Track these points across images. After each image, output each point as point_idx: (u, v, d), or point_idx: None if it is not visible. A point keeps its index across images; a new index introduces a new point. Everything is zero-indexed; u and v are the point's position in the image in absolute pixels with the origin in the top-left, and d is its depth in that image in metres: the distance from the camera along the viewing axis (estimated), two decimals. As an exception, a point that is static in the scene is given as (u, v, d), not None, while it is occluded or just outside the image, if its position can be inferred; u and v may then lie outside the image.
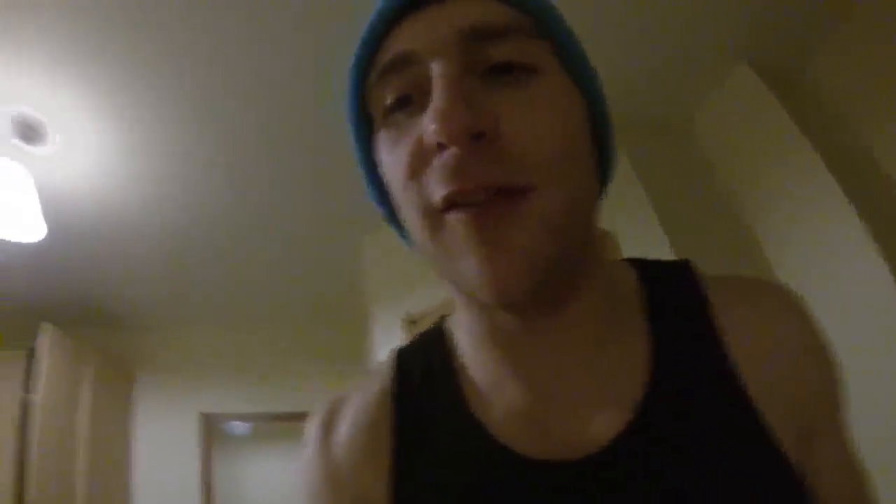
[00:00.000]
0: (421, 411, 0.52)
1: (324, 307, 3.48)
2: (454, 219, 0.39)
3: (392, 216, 0.49)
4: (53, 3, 1.53)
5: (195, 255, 2.78)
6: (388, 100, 0.42)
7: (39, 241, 2.07)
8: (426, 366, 0.55)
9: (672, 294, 0.51)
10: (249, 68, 1.81)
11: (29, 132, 1.82)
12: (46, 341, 2.43)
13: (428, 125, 0.38)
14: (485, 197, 0.38)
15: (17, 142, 1.81)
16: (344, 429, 0.54)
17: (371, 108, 0.45)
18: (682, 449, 0.44)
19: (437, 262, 0.43)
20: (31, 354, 2.45)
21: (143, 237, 2.53)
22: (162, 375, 3.25)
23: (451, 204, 0.39)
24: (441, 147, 0.38)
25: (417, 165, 0.40)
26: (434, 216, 0.40)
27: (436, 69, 0.39)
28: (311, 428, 0.56)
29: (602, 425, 0.46)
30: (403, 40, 0.41)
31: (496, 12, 0.41)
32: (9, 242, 2.05)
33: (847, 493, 0.48)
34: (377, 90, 0.43)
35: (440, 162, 0.39)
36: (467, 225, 0.39)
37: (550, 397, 0.48)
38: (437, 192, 0.39)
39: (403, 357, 0.57)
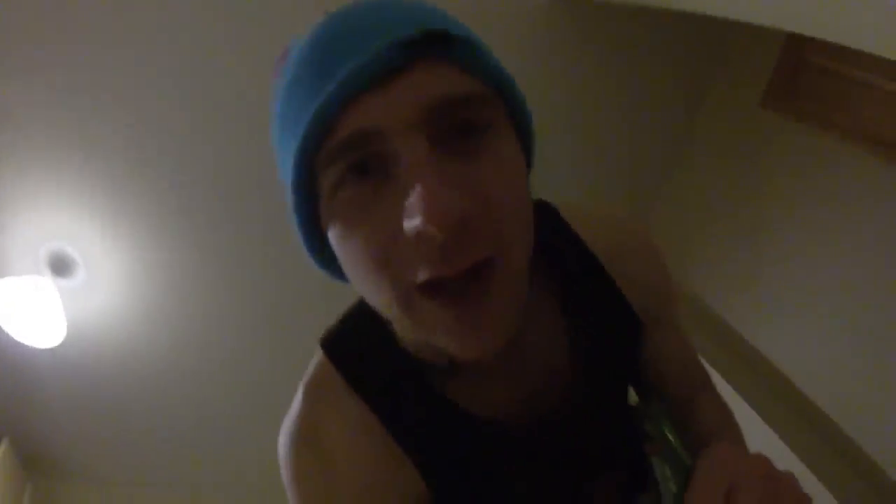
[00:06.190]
0: (396, 400, 0.56)
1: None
2: (435, 306, 0.41)
3: (335, 273, 0.50)
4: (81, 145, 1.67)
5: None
6: (339, 173, 0.41)
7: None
8: (373, 356, 0.58)
9: (557, 247, 0.62)
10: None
11: (60, 266, 1.88)
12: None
13: (412, 214, 0.37)
14: (461, 278, 0.40)
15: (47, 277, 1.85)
16: (340, 450, 0.54)
17: (319, 182, 0.43)
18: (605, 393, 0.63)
19: (406, 325, 0.46)
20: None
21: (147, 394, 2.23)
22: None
23: (428, 283, 0.41)
24: (422, 233, 0.38)
25: (388, 248, 0.40)
26: (407, 293, 0.42)
27: (410, 149, 0.39)
28: (302, 464, 0.55)
29: (548, 389, 0.60)
30: (363, 117, 0.39)
31: (457, 83, 0.40)
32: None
33: (683, 356, 0.73)
34: (329, 165, 0.41)
35: (423, 246, 0.39)
36: (446, 310, 0.41)
37: (503, 373, 0.57)
38: (420, 274, 0.40)
39: (340, 357, 0.58)
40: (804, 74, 1.54)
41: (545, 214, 0.63)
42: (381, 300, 0.44)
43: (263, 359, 2.21)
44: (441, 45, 0.39)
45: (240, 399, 2.30)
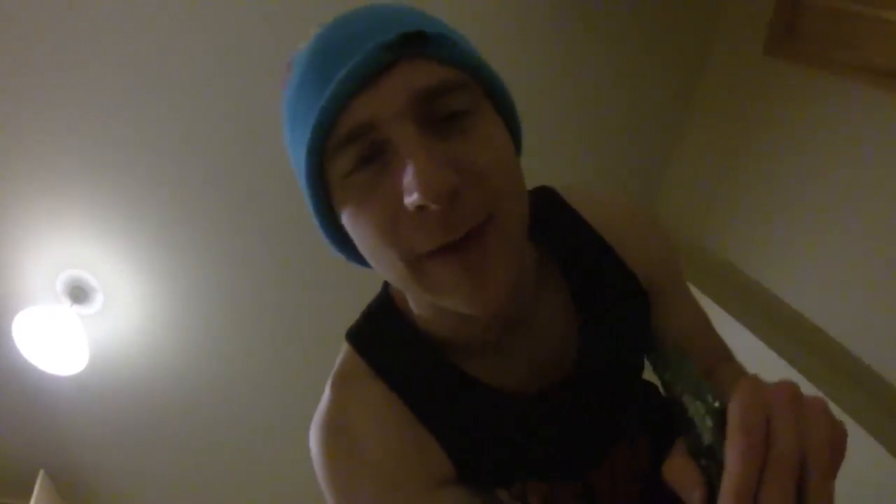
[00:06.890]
0: (419, 383, 0.60)
1: None
2: (440, 264, 0.46)
3: (350, 255, 0.55)
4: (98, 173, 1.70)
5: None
6: (349, 164, 0.46)
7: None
8: (395, 343, 0.62)
9: (559, 224, 0.66)
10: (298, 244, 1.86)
11: (79, 293, 1.90)
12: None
13: (410, 191, 0.42)
14: (461, 237, 0.45)
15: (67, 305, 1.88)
16: (367, 435, 0.57)
17: (328, 172, 0.48)
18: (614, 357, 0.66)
19: (417, 293, 0.50)
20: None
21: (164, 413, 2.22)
22: None
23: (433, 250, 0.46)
24: (421, 207, 0.43)
25: (394, 222, 0.46)
26: (416, 263, 0.47)
27: (400, 135, 0.44)
28: (332, 451, 0.58)
29: (561, 361, 0.64)
30: (359, 111, 0.45)
31: (435, 73, 0.46)
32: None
33: (698, 326, 0.77)
34: (336, 157, 0.47)
35: (424, 219, 0.44)
36: (453, 267, 0.46)
37: (518, 349, 0.61)
38: (424, 244, 0.46)
39: (365, 346, 0.62)
40: (803, 17, 1.53)
41: (546, 197, 0.69)
42: (392, 272, 0.49)
43: (289, 378, 2.21)
44: (419, 43, 0.45)
45: (268, 419, 2.31)
